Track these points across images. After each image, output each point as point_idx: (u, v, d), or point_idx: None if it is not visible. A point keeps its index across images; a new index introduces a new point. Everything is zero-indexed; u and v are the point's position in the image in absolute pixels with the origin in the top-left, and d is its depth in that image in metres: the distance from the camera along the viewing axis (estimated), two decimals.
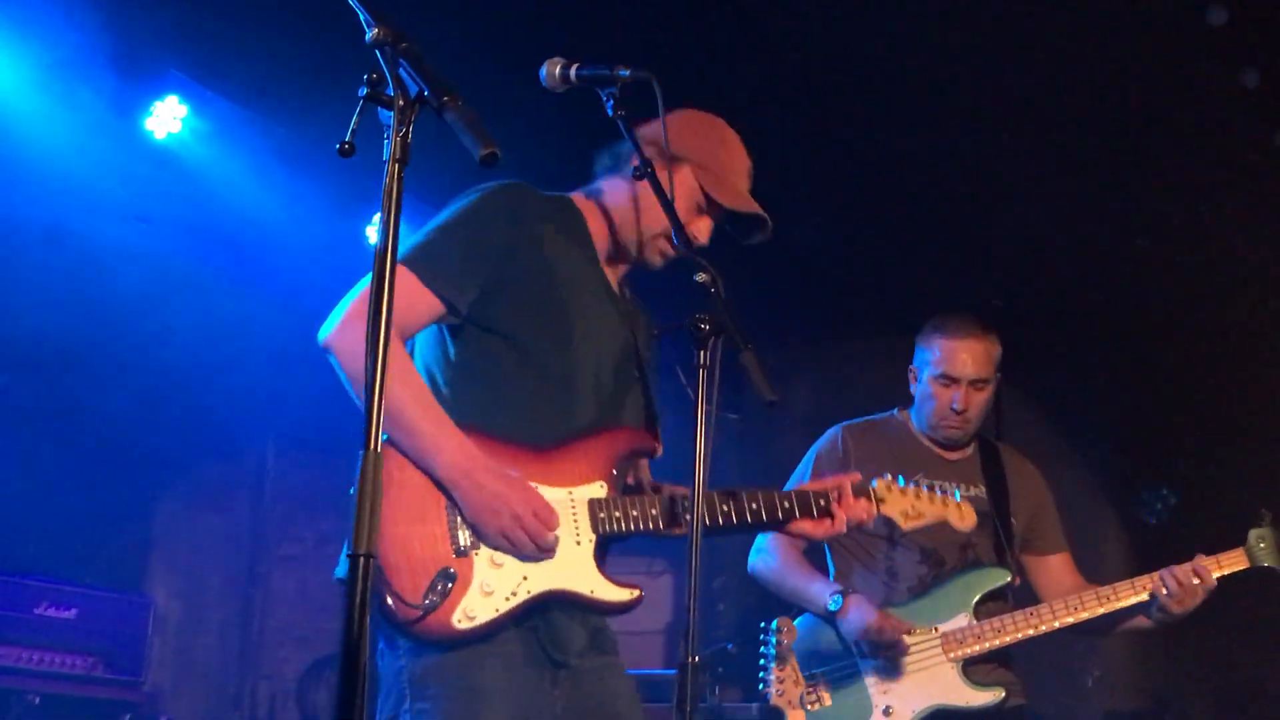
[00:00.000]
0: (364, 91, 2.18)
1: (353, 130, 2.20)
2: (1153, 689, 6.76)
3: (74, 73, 5.63)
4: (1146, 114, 5.66)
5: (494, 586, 2.93)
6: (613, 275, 3.35)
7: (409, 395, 2.95)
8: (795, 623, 4.57)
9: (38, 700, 5.64)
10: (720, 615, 6.84)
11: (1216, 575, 4.33)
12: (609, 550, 3.13)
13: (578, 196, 3.39)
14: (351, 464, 2.03)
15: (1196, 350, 6.76)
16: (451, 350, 3.14)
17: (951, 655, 4.43)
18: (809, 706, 4.44)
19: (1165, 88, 5.47)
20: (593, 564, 3.05)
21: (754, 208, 3.32)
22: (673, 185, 3.13)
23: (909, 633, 4.42)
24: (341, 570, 2.98)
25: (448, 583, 2.87)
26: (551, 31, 5.21)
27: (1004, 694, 4.40)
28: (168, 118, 6.02)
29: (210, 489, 7.71)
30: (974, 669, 4.45)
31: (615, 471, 3.14)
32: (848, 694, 4.49)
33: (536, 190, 3.27)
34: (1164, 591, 4.31)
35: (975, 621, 4.45)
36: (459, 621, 2.89)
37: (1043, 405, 4.86)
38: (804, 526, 3.33)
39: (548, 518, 2.96)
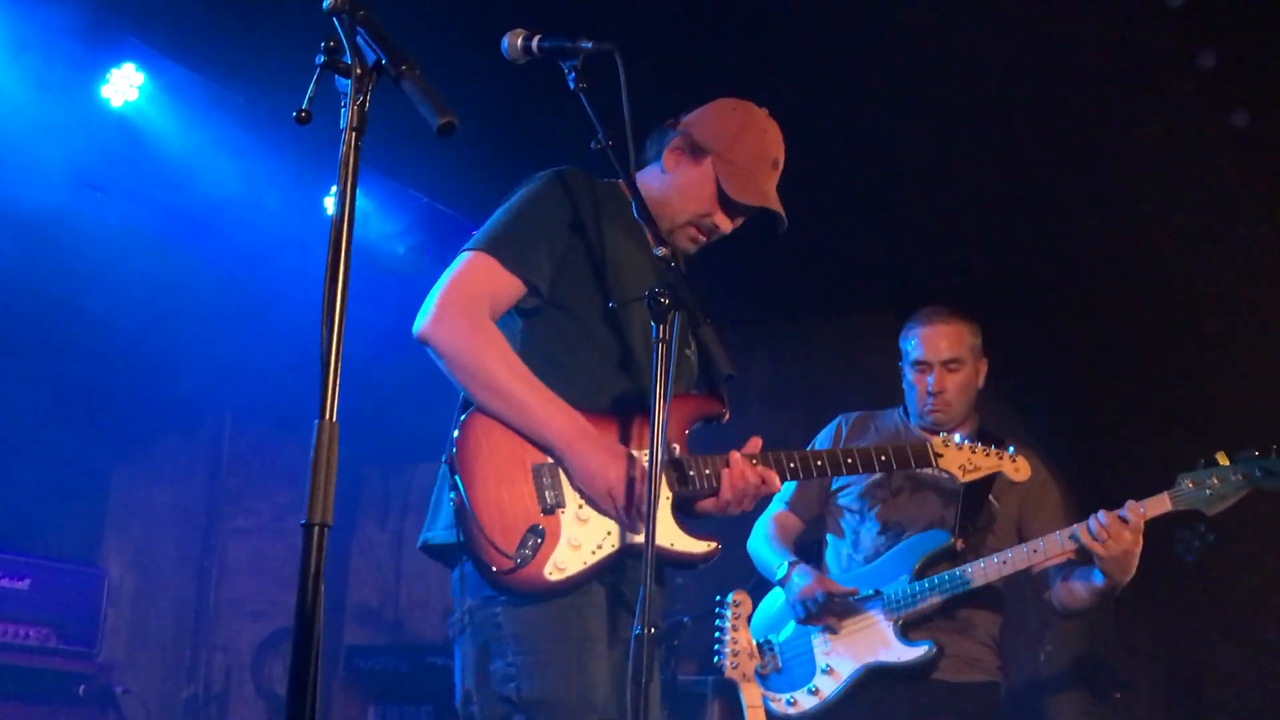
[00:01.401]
0: (321, 59, 2.18)
1: (309, 98, 2.20)
2: (1103, 667, 6.82)
3: (29, 38, 5.56)
4: (1102, 93, 5.68)
5: (581, 540, 3.10)
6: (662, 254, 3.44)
7: (513, 374, 3.12)
8: (767, 597, 4.87)
9: None
10: (677, 589, 6.85)
11: (1143, 519, 4.33)
12: (689, 507, 3.30)
13: (621, 183, 3.43)
14: (309, 437, 2.03)
15: (1144, 323, 6.81)
16: (519, 326, 3.28)
17: (891, 616, 4.58)
18: (762, 671, 4.64)
19: (1121, 67, 5.49)
20: (670, 519, 3.22)
21: (765, 203, 3.44)
22: (697, 176, 3.38)
23: (853, 595, 4.60)
24: (424, 538, 3.20)
25: (538, 538, 3.05)
26: (514, 2, 5.18)
27: (934, 649, 4.49)
28: (124, 85, 5.95)
29: (166, 461, 7.67)
30: (918, 631, 4.57)
31: (687, 434, 3.29)
32: (795, 657, 4.73)
33: (590, 175, 3.39)
34: (1087, 535, 4.36)
35: (914, 583, 4.54)
36: (550, 574, 3.05)
37: (991, 382, 4.91)
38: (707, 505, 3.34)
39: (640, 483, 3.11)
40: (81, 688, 5.96)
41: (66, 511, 6.95)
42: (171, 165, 6.32)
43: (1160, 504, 4.37)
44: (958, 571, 4.52)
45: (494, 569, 3.01)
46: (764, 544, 4.92)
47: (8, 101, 5.67)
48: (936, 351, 4.76)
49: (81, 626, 6.05)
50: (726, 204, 3.42)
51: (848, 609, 4.62)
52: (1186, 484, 4.38)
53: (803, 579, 4.65)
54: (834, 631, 4.64)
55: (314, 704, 1.95)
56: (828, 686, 4.62)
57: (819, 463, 3.43)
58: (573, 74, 3.09)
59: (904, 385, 4.91)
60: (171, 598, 7.63)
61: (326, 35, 2.20)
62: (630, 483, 3.08)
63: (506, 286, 3.19)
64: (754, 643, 4.45)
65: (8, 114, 5.69)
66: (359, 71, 2.16)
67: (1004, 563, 4.50)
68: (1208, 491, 4.37)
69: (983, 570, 4.51)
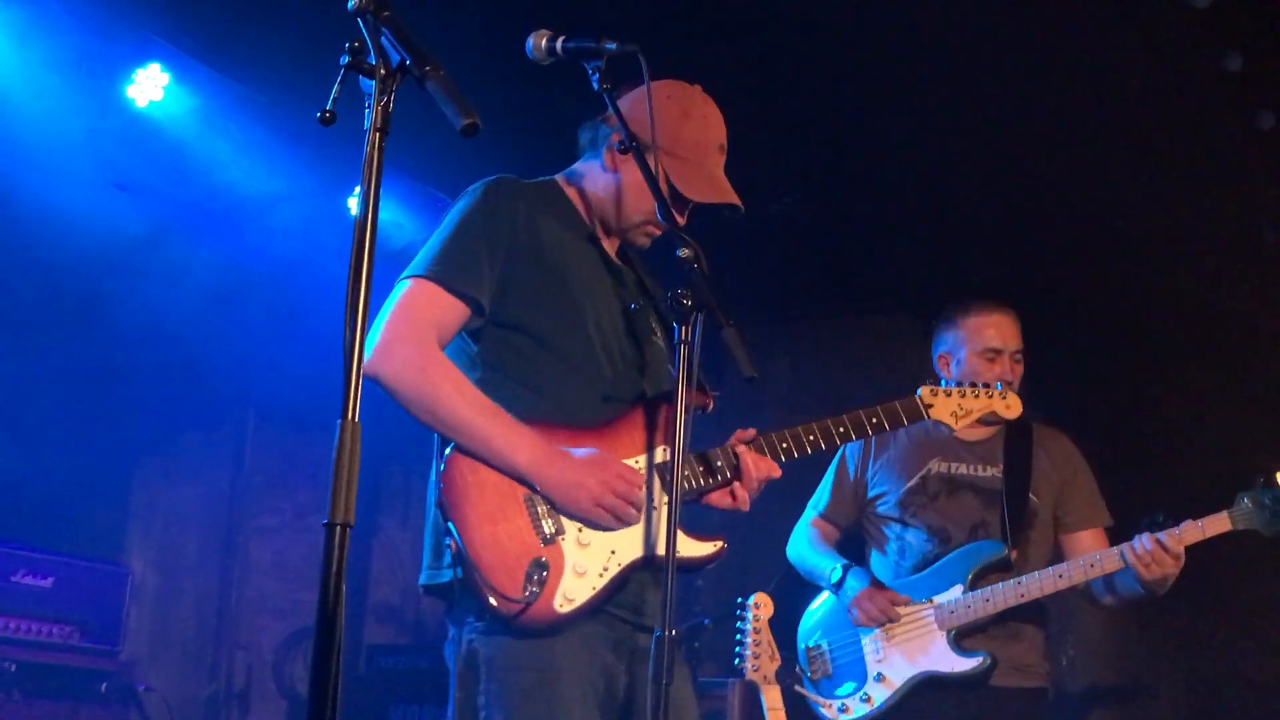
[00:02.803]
0: (345, 60, 2.18)
1: (334, 98, 2.20)
2: (1126, 667, 6.80)
3: (55, 38, 5.58)
4: (1128, 95, 5.66)
5: (586, 566, 3.00)
6: (610, 246, 3.38)
7: (470, 405, 3.01)
8: (814, 602, 4.88)
9: (14, 668, 5.63)
10: (698, 591, 6.86)
11: (1200, 539, 4.33)
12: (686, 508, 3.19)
13: (560, 180, 3.42)
14: (331, 436, 2.03)
15: (1173, 326, 6.79)
16: (474, 351, 3.17)
17: (944, 625, 4.56)
18: (812, 675, 4.63)
19: (1147, 69, 5.47)
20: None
21: (721, 197, 3.31)
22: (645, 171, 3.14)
23: (905, 604, 4.58)
24: (425, 579, 3.11)
25: (543, 571, 2.94)
26: (538, 3, 5.19)
27: (989, 660, 4.48)
28: (150, 85, 5.98)
29: (189, 459, 7.69)
30: (971, 640, 4.55)
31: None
32: (846, 663, 4.70)
33: (520, 180, 3.29)
34: (1133, 555, 4.35)
35: (968, 593, 4.52)
36: (560, 606, 2.96)
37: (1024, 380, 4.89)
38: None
39: (632, 478, 3.04)
40: (104, 685, 5.97)
41: (90, 510, 6.97)
42: (196, 165, 6.34)
43: (1220, 523, 4.35)
44: (1013, 583, 4.50)
45: (503, 612, 2.91)
46: (810, 550, 4.89)
47: (35, 102, 5.70)
48: (1008, 340, 4.68)
49: (104, 624, 6.06)
50: (677, 198, 3.27)
51: (901, 616, 4.59)
52: (1246, 503, 4.36)
53: (859, 582, 4.64)
54: (887, 638, 4.61)
55: (336, 702, 1.96)
56: (879, 694, 4.58)
57: (811, 438, 3.34)
58: (596, 75, 3.07)
59: (955, 375, 4.76)
60: (194, 596, 7.65)
61: (351, 36, 2.21)
62: (617, 488, 3.01)
63: (452, 311, 3.07)
64: (775, 646, 4.46)
65: (35, 114, 5.73)
66: (383, 72, 2.17)
67: (1060, 576, 4.47)
68: (1267, 512, 4.35)
69: (1039, 584, 4.48)
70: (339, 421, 2.03)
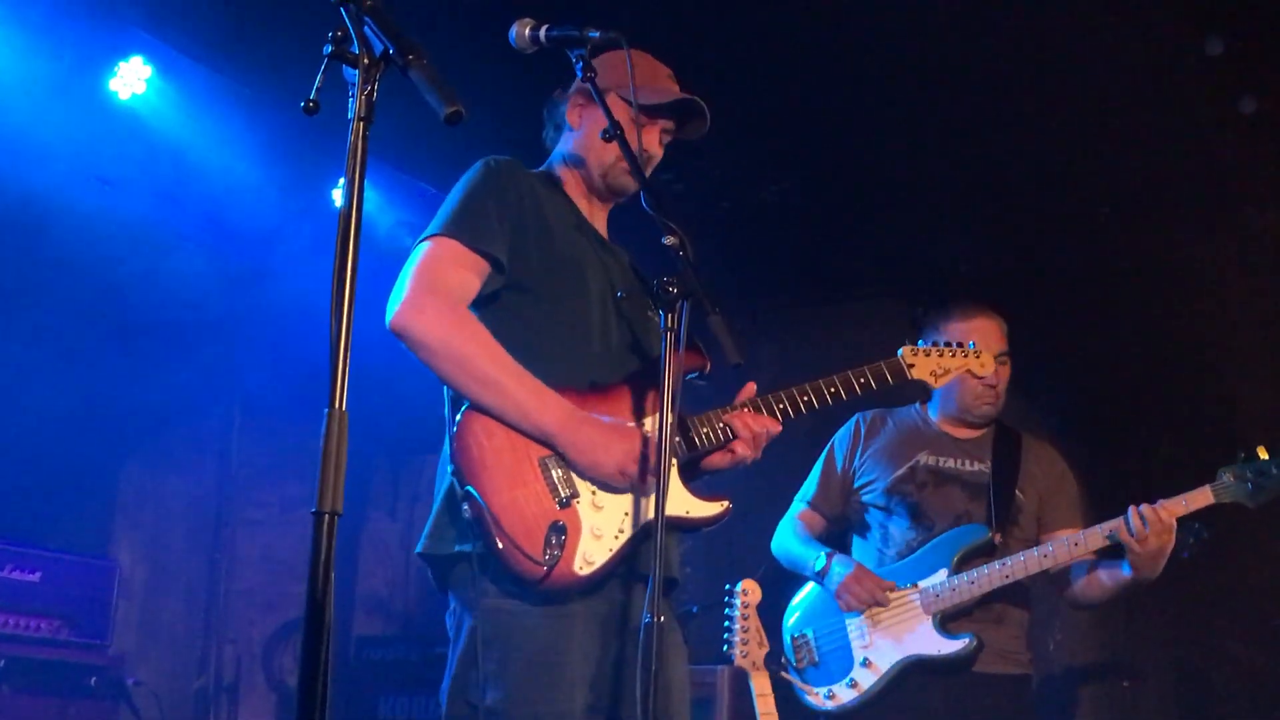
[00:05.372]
0: (329, 49, 2.18)
1: (317, 88, 2.20)
2: (1113, 654, 6.81)
3: (36, 31, 5.56)
4: (1111, 80, 5.67)
5: (602, 529, 3.05)
6: (601, 228, 3.48)
7: (500, 365, 3.06)
8: (797, 594, 4.90)
9: (2, 663, 5.63)
10: (686, 578, 6.85)
11: (1182, 514, 4.37)
12: (694, 469, 3.29)
13: (543, 172, 3.51)
14: (317, 428, 2.03)
15: (1159, 313, 6.80)
16: (482, 317, 3.19)
17: (929, 610, 4.59)
18: (799, 665, 4.65)
19: (1129, 54, 5.48)
20: (681, 487, 3.20)
21: (680, 95, 3.39)
22: (609, 117, 3.15)
23: (890, 590, 4.61)
24: (428, 547, 3.13)
25: (561, 535, 2.98)
26: None
27: (975, 642, 4.51)
28: (132, 78, 5.96)
29: (175, 452, 7.68)
30: (956, 623, 4.58)
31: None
32: (833, 650, 4.72)
33: (520, 162, 3.37)
34: (1125, 530, 4.37)
35: (953, 576, 4.55)
36: (580, 568, 3.00)
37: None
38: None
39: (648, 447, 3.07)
40: (93, 679, 5.96)
41: (77, 504, 6.96)
42: (179, 158, 6.32)
43: (1202, 497, 4.40)
44: (998, 565, 4.53)
45: (526, 577, 2.94)
46: (794, 541, 4.91)
47: (16, 95, 5.67)
48: (991, 345, 4.67)
49: (92, 618, 6.06)
50: (646, 117, 3.35)
51: (887, 601, 4.62)
52: (1227, 477, 4.40)
53: (844, 568, 4.66)
54: (873, 624, 4.63)
55: (325, 692, 1.95)
56: (866, 679, 4.61)
57: (805, 398, 3.41)
58: (580, 63, 3.10)
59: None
60: (182, 589, 7.65)
61: (334, 26, 2.21)
62: (640, 455, 3.04)
63: (474, 267, 3.13)
64: (763, 633, 4.47)
65: (17, 107, 5.70)
66: (366, 61, 2.17)
67: (1044, 556, 4.52)
68: (1249, 485, 4.38)
69: (1023, 564, 4.52)
70: (326, 411, 2.03)
